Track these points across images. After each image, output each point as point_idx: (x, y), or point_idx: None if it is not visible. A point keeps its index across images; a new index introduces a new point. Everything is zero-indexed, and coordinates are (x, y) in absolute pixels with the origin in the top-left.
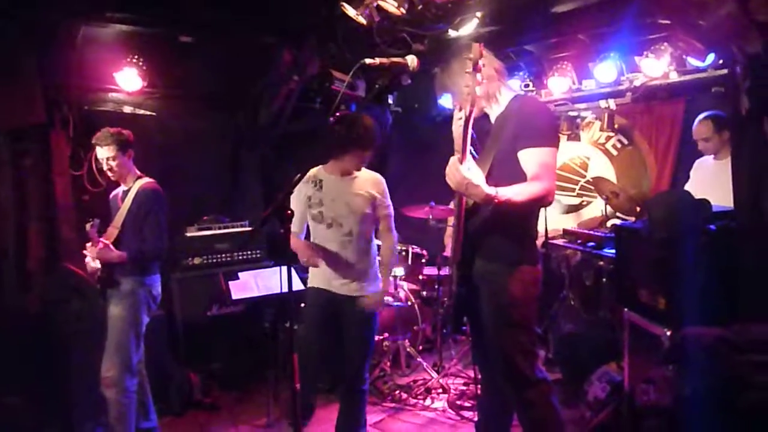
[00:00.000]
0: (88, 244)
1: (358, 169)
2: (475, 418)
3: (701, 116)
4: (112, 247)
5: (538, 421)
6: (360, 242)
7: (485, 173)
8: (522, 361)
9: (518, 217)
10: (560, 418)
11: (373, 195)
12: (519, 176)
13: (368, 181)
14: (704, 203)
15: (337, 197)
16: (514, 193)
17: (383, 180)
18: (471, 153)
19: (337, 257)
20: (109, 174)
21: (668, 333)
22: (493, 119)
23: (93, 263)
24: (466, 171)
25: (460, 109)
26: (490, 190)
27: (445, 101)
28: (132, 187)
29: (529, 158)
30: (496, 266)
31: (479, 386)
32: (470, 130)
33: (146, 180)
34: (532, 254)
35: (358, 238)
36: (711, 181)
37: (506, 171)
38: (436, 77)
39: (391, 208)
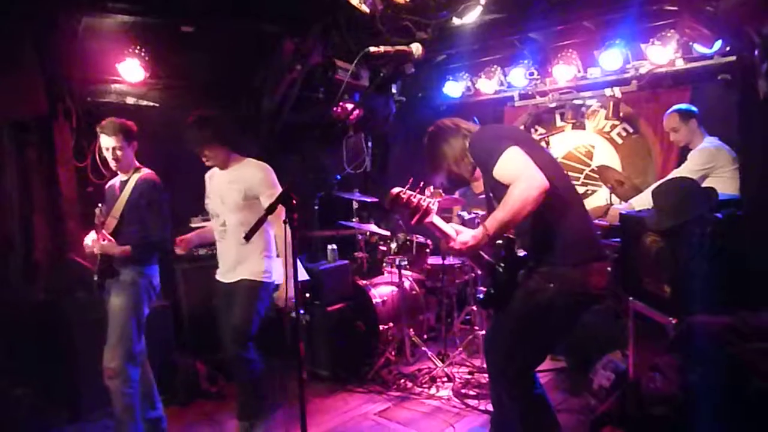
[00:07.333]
0: (92, 235)
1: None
2: (480, 407)
3: (669, 110)
4: (115, 242)
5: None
6: (237, 233)
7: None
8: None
9: (546, 220)
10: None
11: (246, 186)
12: None
13: (246, 171)
14: (710, 191)
15: (213, 191)
16: (499, 214)
17: (265, 168)
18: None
19: (219, 247)
20: (113, 163)
21: (673, 321)
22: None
23: (90, 248)
24: (456, 242)
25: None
26: (478, 231)
27: (450, 90)
28: (131, 177)
29: (500, 176)
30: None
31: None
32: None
33: (145, 171)
34: (567, 258)
35: (235, 229)
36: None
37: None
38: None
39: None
